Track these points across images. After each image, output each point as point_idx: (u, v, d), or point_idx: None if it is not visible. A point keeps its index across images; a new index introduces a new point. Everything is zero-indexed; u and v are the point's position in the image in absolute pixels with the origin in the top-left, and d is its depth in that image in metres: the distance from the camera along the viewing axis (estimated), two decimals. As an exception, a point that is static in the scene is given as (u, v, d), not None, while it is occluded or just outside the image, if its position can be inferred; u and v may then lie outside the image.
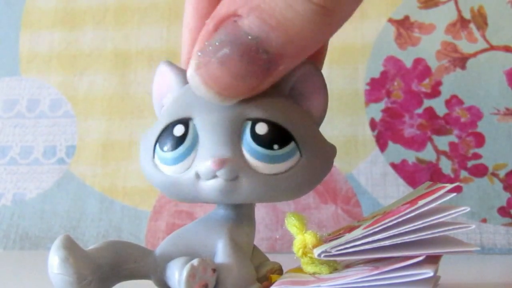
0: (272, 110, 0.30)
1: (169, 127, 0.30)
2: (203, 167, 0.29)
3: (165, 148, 0.30)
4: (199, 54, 0.28)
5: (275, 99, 0.31)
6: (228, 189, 0.30)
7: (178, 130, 0.30)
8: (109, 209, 0.62)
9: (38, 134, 0.65)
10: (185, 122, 0.30)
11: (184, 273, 0.28)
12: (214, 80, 0.28)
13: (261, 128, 0.30)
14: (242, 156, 0.30)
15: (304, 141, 0.31)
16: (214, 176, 0.29)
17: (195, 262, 0.28)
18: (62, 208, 0.63)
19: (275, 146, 0.30)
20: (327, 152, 0.32)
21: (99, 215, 0.62)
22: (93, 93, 0.66)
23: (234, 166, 0.29)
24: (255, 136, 0.30)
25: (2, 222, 0.63)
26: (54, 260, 0.28)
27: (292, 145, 0.30)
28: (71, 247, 0.28)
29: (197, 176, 0.30)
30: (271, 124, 0.30)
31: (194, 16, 0.34)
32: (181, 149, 0.30)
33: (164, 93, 0.33)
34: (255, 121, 0.30)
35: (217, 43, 0.27)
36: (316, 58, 0.34)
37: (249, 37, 0.26)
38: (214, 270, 0.29)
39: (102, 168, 0.64)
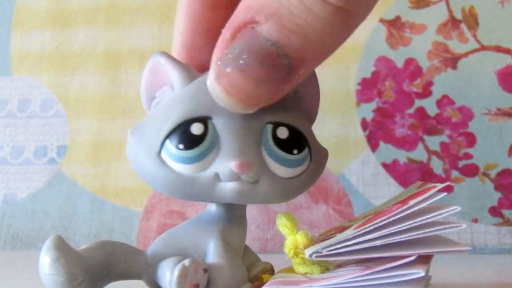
0: (291, 115, 0.31)
1: (184, 124, 0.30)
2: (226, 169, 0.29)
3: (181, 146, 0.29)
4: (219, 63, 0.27)
5: (289, 102, 0.31)
6: (247, 191, 0.30)
7: (197, 128, 0.29)
8: (100, 209, 0.62)
9: (29, 134, 0.65)
10: (203, 120, 0.30)
11: (176, 273, 0.28)
12: (236, 88, 0.27)
13: (283, 132, 0.30)
14: (263, 159, 0.30)
15: (313, 146, 0.31)
16: (236, 179, 0.29)
17: (186, 262, 0.28)
18: (53, 208, 0.63)
19: (295, 151, 0.30)
20: (324, 156, 0.33)
21: (90, 215, 0.62)
22: (84, 93, 0.66)
23: (257, 169, 0.29)
24: (276, 140, 0.30)
25: (-7, 223, 0.63)
26: (45, 260, 0.28)
27: (306, 150, 0.31)
28: (62, 247, 0.28)
29: (217, 177, 0.29)
30: (291, 128, 0.30)
31: (186, 20, 0.34)
32: (200, 148, 0.29)
33: (158, 86, 0.32)
34: (276, 125, 0.30)
35: (236, 51, 0.27)
36: None
37: (269, 43, 0.26)
38: (205, 270, 0.29)
39: (93, 168, 0.63)
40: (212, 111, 0.30)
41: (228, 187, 0.30)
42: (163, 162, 0.30)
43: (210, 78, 0.28)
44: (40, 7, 0.69)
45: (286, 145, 0.30)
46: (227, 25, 0.27)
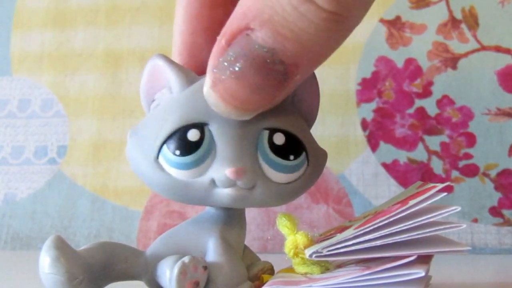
0: (288, 120, 0.31)
1: (180, 130, 0.30)
2: (222, 176, 0.29)
3: (177, 152, 0.29)
4: (215, 71, 0.27)
5: (286, 107, 0.31)
6: (243, 197, 0.30)
7: (193, 135, 0.30)
8: (100, 209, 0.62)
9: (29, 134, 0.65)
10: (200, 127, 0.30)
11: (175, 270, 0.28)
12: (232, 95, 0.27)
13: (279, 138, 0.30)
14: (259, 165, 0.30)
15: (311, 150, 0.31)
16: (232, 185, 0.29)
17: (186, 259, 0.28)
18: (53, 208, 0.63)
19: (291, 157, 0.30)
20: (322, 158, 0.33)
21: (90, 215, 0.62)
22: (85, 93, 0.66)
23: (253, 176, 0.29)
24: (272, 146, 0.30)
25: (-7, 223, 0.63)
26: (45, 260, 0.28)
27: (303, 155, 0.31)
28: (62, 247, 0.28)
29: (213, 183, 0.30)
30: (288, 134, 0.30)
31: (185, 19, 0.34)
32: (197, 154, 0.29)
33: (157, 88, 0.32)
34: (272, 131, 0.30)
35: (231, 59, 0.27)
36: None
37: (264, 50, 0.26)
38: (205, 268, 0.29)
39: (94, 168, 0.63)
40: (208, 117, 0.30)
41: (224, 193, 0.30)
42: (160, 167, 0.30)
43: (206, 86, 0.28)
44: (40, 7, 0.69)
45: (282, 151, 0.30)
46: (222, 32, 0.27)
